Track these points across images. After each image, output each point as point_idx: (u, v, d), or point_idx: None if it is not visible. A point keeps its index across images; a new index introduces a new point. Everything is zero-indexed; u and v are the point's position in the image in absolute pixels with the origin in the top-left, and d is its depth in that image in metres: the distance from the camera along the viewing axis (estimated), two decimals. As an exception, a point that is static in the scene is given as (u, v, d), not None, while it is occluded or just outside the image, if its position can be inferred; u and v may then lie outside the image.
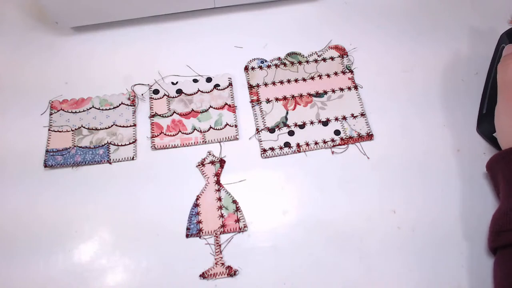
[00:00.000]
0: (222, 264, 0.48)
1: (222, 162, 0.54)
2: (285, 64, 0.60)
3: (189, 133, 0.56)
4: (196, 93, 0.59)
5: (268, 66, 0.60)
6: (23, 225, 0.51)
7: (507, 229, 0.43)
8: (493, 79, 0.54)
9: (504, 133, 0.48)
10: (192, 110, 0.58)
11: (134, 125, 0.57)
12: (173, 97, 0.59)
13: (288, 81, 0.59)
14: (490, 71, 0.57)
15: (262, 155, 0.55)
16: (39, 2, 0.57)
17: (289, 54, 0.61)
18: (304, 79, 0.59)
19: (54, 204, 0.52)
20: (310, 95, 0.58)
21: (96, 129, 0.57)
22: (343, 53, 0.61)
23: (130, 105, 0.58)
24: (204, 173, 0.54)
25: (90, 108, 0.58)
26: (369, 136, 0.55)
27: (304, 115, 0.57)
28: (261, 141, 0.55)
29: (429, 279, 0.47)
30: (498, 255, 0.45)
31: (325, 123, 0.56)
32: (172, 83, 0.60)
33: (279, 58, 0.61)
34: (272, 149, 0.55)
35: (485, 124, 0.53)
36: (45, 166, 0.54)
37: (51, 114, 0.58)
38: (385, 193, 0.52)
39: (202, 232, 0.50)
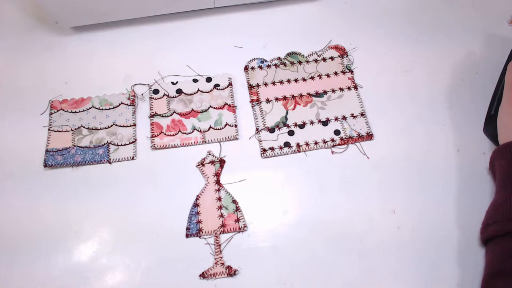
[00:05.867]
0: (222, 264, 0.48)
1: (222, 162, 0.54)
2: (285, 64, 0.60)
3: (189, 133, 0.56)
4: (196, 93, 0.59)
5: (268, 66, 0.60)
6: (23, 225, 0.51)
7: (493, 222, 0.44)
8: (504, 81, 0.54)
9: (504, 132, 0.48)
10: (192, 110, 0.58)
11: (134, 125, 0.57)
12: (173, 97, 0.59)
13: (288, 81, 0.59)
14: (503, 73, 0.56)
15: (262, 155, 0.54)
16: (39, 2, 0.57)
17: (289, 54, 0.61)
18: (304, 79, 0.59)
19: (54, 204, 0.52)
20: (310, 95, 0.58)
21: (96, 129, 0.57)
22: (343, 53, 0.61)
23: (130, 105, 0.58)
24: (204, 173, 0.54)
25: (90, 108, 0.58)
26: (369, 136, 0.55)
27: (304, 115, 0.57)
28: (261, 141, 0.55)
29: (428, 279, 0.47)
30: (486, 247, 0.45)
31: (325, 123, 0.56)
32: (172, 83, 0.60)
33: (279, 58, 0.61)
34: (272, 149, 0.55)
35: (493, 125, 0.53)
36: (45, 165, 0.54)
37: (51, 114, 0.58)
38: (385, 193, 0.52)
39: (202, 232, 0.50)
